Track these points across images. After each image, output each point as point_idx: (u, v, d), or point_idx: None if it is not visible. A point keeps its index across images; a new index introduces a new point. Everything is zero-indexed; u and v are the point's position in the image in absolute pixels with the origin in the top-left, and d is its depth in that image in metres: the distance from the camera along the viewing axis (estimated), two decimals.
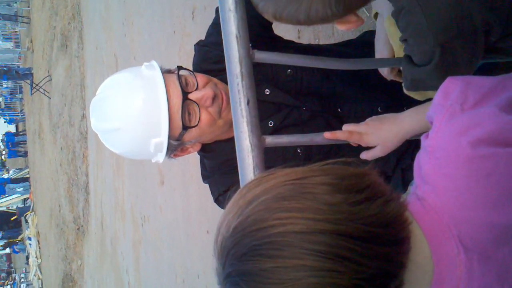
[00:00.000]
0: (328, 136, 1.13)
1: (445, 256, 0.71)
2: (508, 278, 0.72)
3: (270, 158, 1.24)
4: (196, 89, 1.24)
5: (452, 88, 0.80)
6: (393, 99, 1.38)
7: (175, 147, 1.29)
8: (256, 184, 0.71)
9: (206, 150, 1.36)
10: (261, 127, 1.27)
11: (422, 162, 0.80)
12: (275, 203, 0.67)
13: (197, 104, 1.23)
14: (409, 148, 1.30)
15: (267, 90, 1.33)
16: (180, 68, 1.27)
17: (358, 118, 1.24)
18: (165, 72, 1.28)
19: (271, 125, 1.32)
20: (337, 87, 1.38)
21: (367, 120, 1.18)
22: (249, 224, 0.67)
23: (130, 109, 1.23)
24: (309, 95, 1.36)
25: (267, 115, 1.32)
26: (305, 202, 0.66)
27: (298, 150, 1.31)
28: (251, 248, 0.65)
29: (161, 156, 1.29)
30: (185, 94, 1.23)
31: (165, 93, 1.21)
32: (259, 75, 1.19)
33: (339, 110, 1.36)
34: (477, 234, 0.71)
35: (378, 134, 1.15)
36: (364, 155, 1.19)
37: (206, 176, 1.41)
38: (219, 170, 1.34)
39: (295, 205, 0.66)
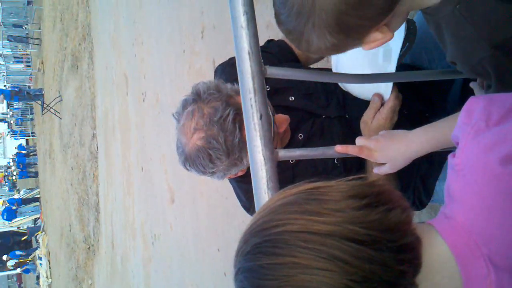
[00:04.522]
0: (339, 150, 1.14)
1: (474, 276, 0.71)
2: None
3: (309, 171, 1.31)
4: None
5: (475, 106, 0.79)
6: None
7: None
8: (278, 195, 0.75)
9: (243, 176, 1.39)
10: (292, 142, 1.34)
11: (450, 181, 0.79)
12: (283, 207, 0.71)
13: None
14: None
15: (291, 97, 1.40)
16: None
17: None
18: None
19: (301, 138, 1.38)
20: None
21: (379, 134, 1.19)
22: (257, 225, 0.71)
23: None
24: (327, 94, 1.43)
25: (294, 122, 1.37)
26: (309, 207, 0.69)
27: (336, 161, 1.35)
28: (254, 246, 0.69)
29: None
30: None
31: None
32: (287, 82, 1.30)
33: (347, 116, 1.41)
34: (507, 252, 0.70)
35: (386, 153, 1.15)
36: (376, 170, 1.20)
37: (247, 206, 1.43)
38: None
39: (298, 208, 0.70)
